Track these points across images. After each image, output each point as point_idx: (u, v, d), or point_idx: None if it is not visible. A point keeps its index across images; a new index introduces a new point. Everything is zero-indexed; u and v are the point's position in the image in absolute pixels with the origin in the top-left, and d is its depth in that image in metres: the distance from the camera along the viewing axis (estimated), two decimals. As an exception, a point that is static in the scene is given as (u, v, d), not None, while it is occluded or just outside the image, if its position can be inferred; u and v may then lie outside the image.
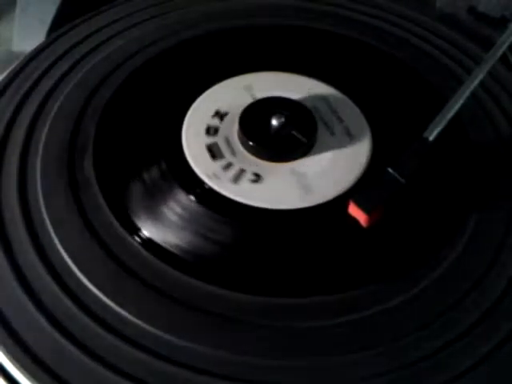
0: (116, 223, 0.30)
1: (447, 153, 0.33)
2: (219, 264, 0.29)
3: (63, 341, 0.26)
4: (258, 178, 0.31)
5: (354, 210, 0.28)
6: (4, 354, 0.25)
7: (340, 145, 0.33)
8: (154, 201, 0.31)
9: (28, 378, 0.25)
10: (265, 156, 0.32)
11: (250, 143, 0.32)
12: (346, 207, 0.29)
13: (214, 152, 0.32)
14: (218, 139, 0.33)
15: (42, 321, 0.26)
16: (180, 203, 0.30)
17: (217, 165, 0.32)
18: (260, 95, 0.35)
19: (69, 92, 0.36)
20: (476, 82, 0.32)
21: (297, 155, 0.32)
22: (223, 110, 0.34)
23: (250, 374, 0.25)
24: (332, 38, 0.40)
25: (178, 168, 0.32)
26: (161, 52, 0.38)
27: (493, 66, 0.33)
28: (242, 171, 0.31)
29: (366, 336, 0.27)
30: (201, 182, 0.31)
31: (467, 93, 0.31)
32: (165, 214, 0.30)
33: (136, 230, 0.30)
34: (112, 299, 0.27)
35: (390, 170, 0.29)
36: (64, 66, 0.37)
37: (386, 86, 0.37)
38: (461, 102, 0.31)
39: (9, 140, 0.33)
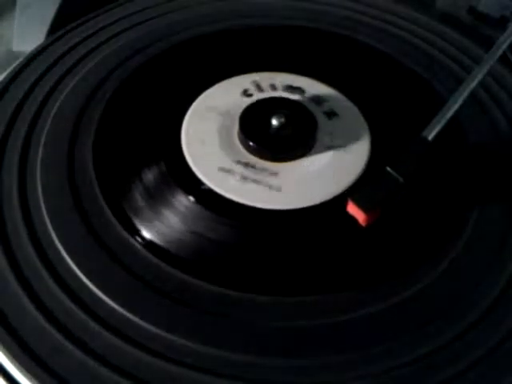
0: (116, 223, 0.30)
1: (446, 152, 0.33)
2: (220, 263, 0.29)
3: (63, 340, 0.26)
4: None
5: (352, 209, 0.28)
6: (4, 354, 0.25)
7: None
8: (154, 201, 0.31)
9: (28, 378, 0.25)
10: (265, 156, 0.32)
11: (250, 143, 0.32)
12: (345, 206, 0.29)
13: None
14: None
15: (42, 320, 0.26)
16: (180, 203, 0.30)
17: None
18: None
19: (69, 92, 0.36)
20: (475, 82, 0.32)
21: (297, 155, 0.32)
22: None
23: (250, 374, 0.25)
24: (331, 39, 0.40)
25: (177, 168, 0.32)
26: (160, 52, 0.39)
27: (493, 66, 0.33)
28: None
29: (366, 335, 0.27)
30: (200, 183, 0.31)
31: (466, 92, 0.31)
32: (165, 214, 0.30)
33: (136, 231, 0.30)
34: (112, 299, 0.27)
35: (388, 169, 0.29)
36: (64, 66, 0.38)
37: (385, 86, 0.37)
38: (460, 101, 0.31)
39: (9, 140, 0.33)
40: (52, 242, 0.29)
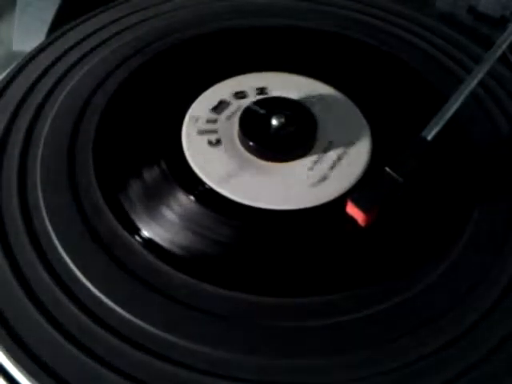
0: (116, 223, 0.30)
1: (446, 153, 0.33)
2: (221, 264, 0.29)
3: (63, 341, 0.26)
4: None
5: (351, 209, 0.28)
6: (4, 354, 0.25)
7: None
8: (154, 201, 0.31)
9: (28, 378, 0.25)
10: (265, 156, 0.32)
11: (250, 143, 0.32)
12: (344, 207, 0.29)
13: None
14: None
15: (42, 321, 0.26)
16: (180, 203, 0.30)
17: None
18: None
19: (68, 92, 0.36)
20: (475, 82, 0.32)
21: (297, 155, 0.32)
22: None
23: (250, 374, 0.25)
24: (332, 38, 0.40)
25: (177, 168, 0.32)
26: (160, 52, 0.39)
27: (493, 66, 0.33)
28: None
29: (367, 335, 0.27)
30: (201, 182, 0.31)
31: (466, 92, 0.31)
32: (165, 215, 0.30)
33: (136, 231, 0.30)
34: (112, 300, 0.27)
35: (387, 169, 0.29)
36: (64, 66, 0.37)
37: (385, 86, 0.37)
38: (459, 101, 0.31)
39: (9, 140, 0.33)
40: (52, 241, 0.29)
